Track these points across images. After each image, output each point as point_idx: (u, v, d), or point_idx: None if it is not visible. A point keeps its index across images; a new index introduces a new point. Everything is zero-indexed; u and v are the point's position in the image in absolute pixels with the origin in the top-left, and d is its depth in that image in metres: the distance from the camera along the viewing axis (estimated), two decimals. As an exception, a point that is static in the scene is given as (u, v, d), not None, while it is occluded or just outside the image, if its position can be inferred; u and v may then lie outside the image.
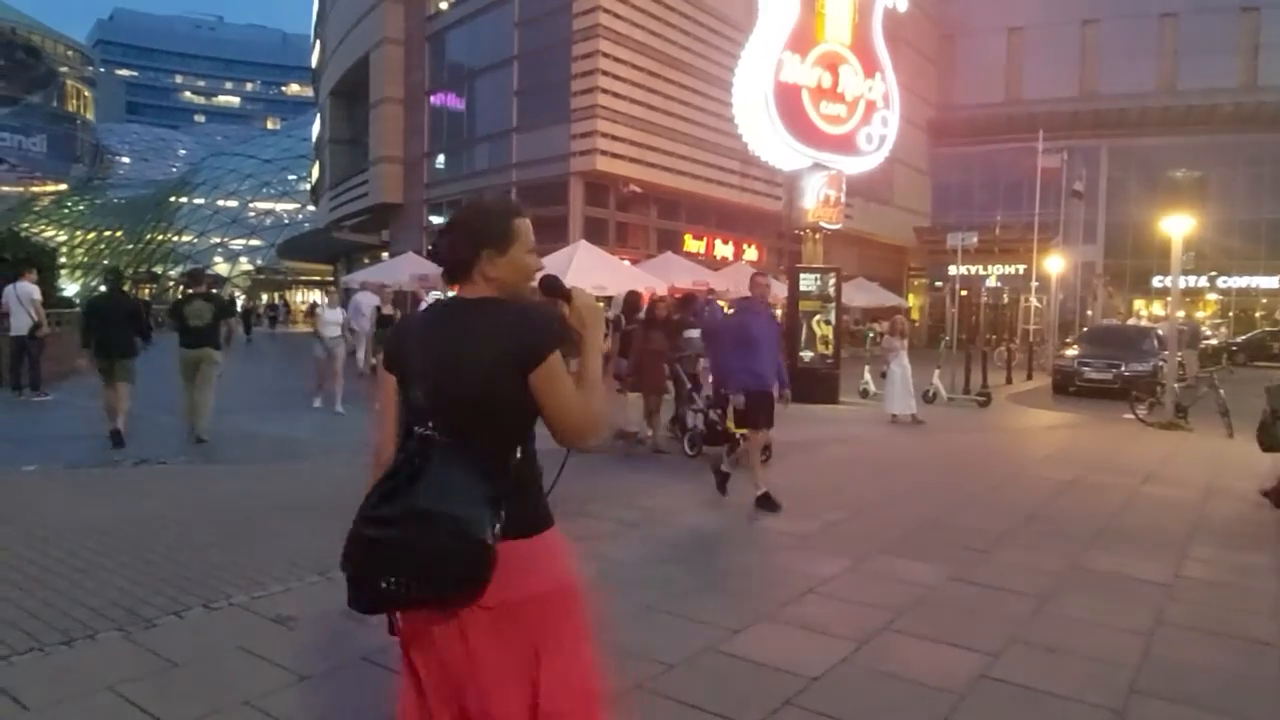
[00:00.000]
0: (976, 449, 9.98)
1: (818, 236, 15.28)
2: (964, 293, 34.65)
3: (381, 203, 30.26)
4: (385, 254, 31.08)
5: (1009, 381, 18.96)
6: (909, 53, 35.93)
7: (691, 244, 26.05)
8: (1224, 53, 36.73)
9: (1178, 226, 12.66)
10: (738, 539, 5.69)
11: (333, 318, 11.82)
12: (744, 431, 6.74)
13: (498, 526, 1.70)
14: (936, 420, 12.28)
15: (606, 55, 22.15)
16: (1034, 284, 31.41)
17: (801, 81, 14.07)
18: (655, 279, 19.70)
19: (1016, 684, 3.50)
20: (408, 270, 21.52)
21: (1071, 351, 18.40)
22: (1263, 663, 3.80)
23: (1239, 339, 31.26)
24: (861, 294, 29.87)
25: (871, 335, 21.84)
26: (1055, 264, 27.36)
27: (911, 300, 40.86)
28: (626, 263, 21.76)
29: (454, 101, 28.59)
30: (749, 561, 5.13)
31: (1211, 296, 38.21)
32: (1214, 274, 36.54)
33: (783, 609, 4.32)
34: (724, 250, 27.39)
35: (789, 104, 13.98)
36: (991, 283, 37.71)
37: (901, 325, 12.76)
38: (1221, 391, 11.80)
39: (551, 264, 19.56)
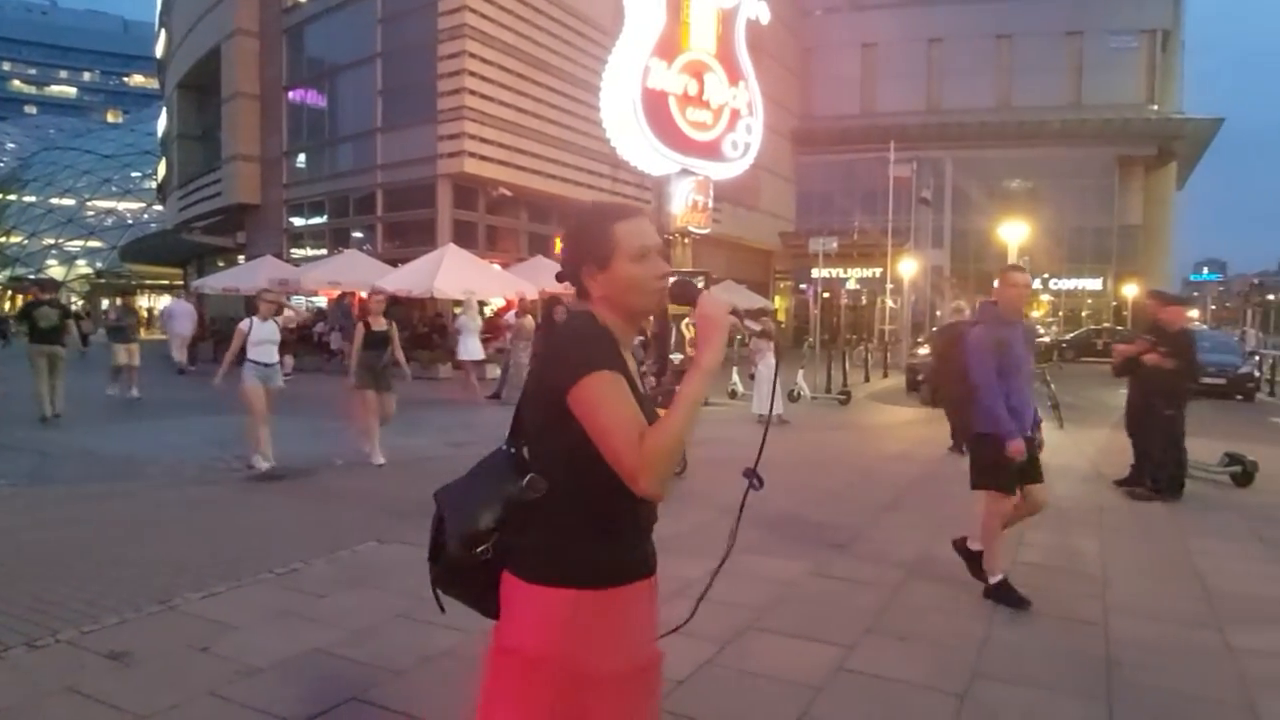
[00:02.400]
0: (836, 446, 10.41)
1: (687, 241, 15.56)
2: (826, 295, 36.21)
3: (236, 203, 28.63)
4: (241, 257, 29.45)
5: (867, 380, 19.90)
6: (772, 64, 37.15)
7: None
8: (1052, 73, 39.94)
9: (1013, 233, 13.66)
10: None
11: (266, 334, 7.86)
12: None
13: (482, 548, 1.62)
14: (801, 419, 12.73)
15: (474, 56, 21.79)
16: (889, 286, 33.14)
17: (668, 88, 14.29)
18: (526, 283, 19.59)
19: (870, 674, 3.66)
20: (264, 274, 20.47)
21: (923, 351, 19.46)
22: (1089, 641, 4.13)
23: (1068, 336, 34.01)
24: (729, 296, 30.61)
25: (740, 337, 22.52)
26: (907, 267, 28.96)
27: (777, 302, 42.31)
28: (497, 266, 21.51)
29: (314, 98, 27.42)
30: (618, 567, 5.15)
31: (1044, 297, 41.45)
32: (1046, 276, 39.64)
33: (651, 613, 4.36)
34: (596, 254, 27.52)
35: (656, 110, 14.17)
36: (851, 285, 39.56)
37: (769, 327, 13.17)
38: (1052, 385, 12.78)
39: (419, 268, 19.11)
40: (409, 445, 9.22)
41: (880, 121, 38.99)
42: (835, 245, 19.22)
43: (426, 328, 21.07)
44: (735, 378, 15.77)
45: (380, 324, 8.42)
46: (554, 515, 1.60)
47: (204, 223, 32.49)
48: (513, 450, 1.71)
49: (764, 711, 3.33)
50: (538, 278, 19.43)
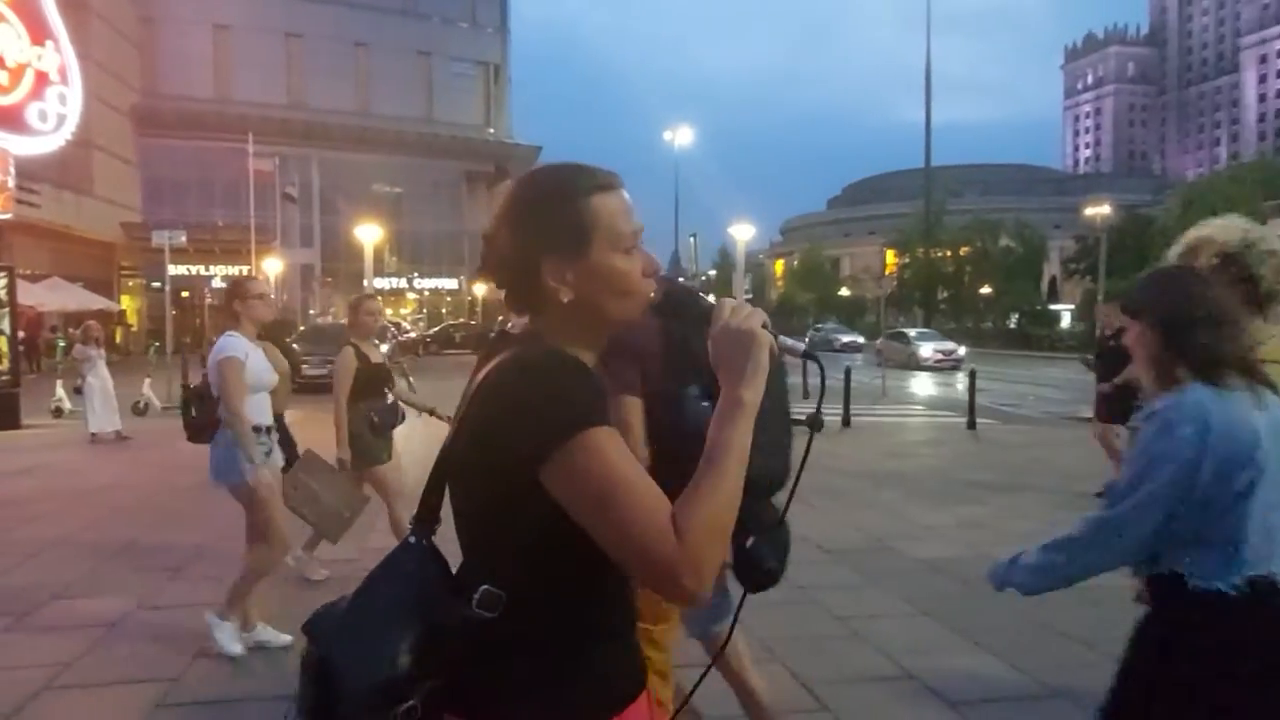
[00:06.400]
0: (187, 459, 9.46)
1: (-22, 228, 12.56)
2: (185, 294, 32.97)
3: None
4: None
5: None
6: (103, 29, 32.29)
7: None
8: (408, 88, 42.75)
9: (369, 235, 14.27)
10: None
11: (262, 372, 4.01)
12: None
13: (407, 706, 1.05)
14: (148, 434, 11.36)
15: None
16: (257, 285, 31.71)
17: (-64, 33, 11.31)
18: None
19: (197, 702, 3.45)
20: None
21: (296, 347, 19.10)
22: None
23: (432, 331, 36.99)
24: (59, 296, 25.81)
25: (63, 344, 19.12)
26: (273, 265, 28.10)
27: (127, 302, 37.00)
28: None
29: None
30: None
31: (411, 295, 44.38)
32: (412, 276, 42.50)
33: (-103, 705, 3.41)
34: None
35: (-82, 59, 11.10)
36: (218, 283, 36.66)
37: (96, 331, 11.41)
38: (410, 378, 13.72)
39: None
40: None
41: (237, 110, 36.85)
42: (184, 239, 17.43)
43: None
44: (60, 393, 13.28)
45: (376, 354, 4.98)
46: (522, 633, 1.12)
47: None
48: (425, 543, 1.16)
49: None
50: None
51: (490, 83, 46.27)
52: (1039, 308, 51.92)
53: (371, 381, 4.77)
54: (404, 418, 5.03)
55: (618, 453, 1.05)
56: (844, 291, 71.93)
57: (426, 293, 44.32)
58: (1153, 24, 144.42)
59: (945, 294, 55.04)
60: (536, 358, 1.12)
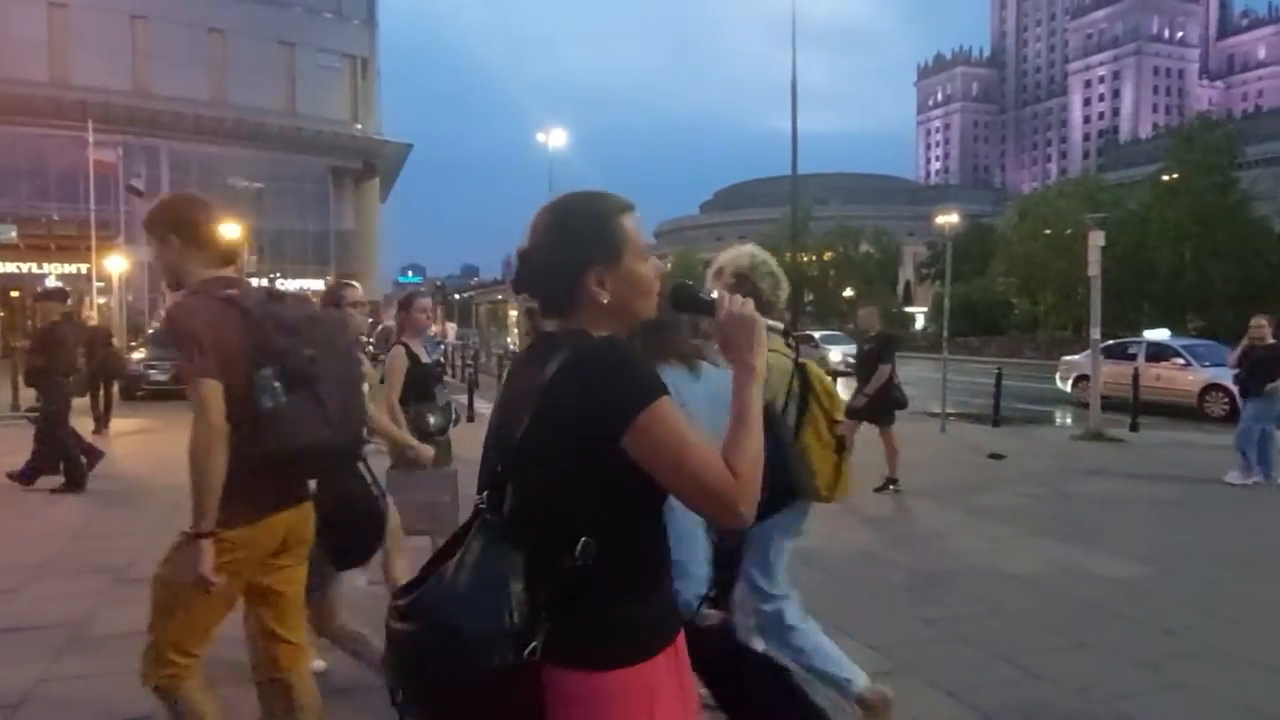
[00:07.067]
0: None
1: None
2: (15, 293, 30.37)
3: None
4: None
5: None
6: (-88, -2, 29.25)
7: None
8: (268, 78, 40.74)
9: (227, 232, 13.57)
10: None
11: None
12: None
13: (531, 649, 1.26)
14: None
15: None
16: (98, 284, 29.45)
17: None
18: None
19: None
20: None
21: (138, 355, 17.95)
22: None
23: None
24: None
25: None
26: (117, 263, 26.22)
27: (-58, 303, 33.60)
28: None
29: None
30: None
31: (273, 297, 42.26)
32: (275, 276, 40.45)
33: None
34: None
35: None
36: (53, 283, 33.82)
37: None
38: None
39: None
40: None
41: (76, 96, 34.03)
42: (14, 234, 16.00)
43: None
44: None
45: (425, 354, 4.56)
46: (610, 580, 1.32)
47: None
48: (504, 515, 1.33)
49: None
50: None
51: (357, 76, 44.72)
52: (896, 310, 54.88)
53: (422, 382, 4.48)
54: (458, 419, 4.78)
55: (677, 415, 1.30)
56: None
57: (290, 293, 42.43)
58: (994, 47, 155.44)
59: (811, 296, 57.29)
60: (602, 347, 1.35)
